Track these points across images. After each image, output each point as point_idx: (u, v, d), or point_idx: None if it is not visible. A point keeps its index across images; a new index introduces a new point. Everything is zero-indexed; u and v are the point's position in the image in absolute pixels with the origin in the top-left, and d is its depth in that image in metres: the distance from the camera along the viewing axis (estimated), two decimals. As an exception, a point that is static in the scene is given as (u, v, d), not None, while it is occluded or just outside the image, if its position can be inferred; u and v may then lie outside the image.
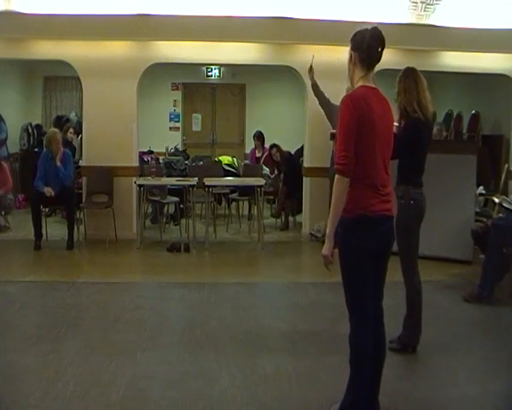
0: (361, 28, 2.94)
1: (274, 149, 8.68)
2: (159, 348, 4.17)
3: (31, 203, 7.24)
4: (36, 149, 9.55)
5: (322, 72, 7.36)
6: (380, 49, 2.89)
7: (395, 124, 3.63)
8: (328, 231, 2.83)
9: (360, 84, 2.92)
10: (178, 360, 3.95)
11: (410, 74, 4.02)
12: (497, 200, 6.40)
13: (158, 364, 3.88)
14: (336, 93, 6.86)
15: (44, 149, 7.37)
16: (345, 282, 2.93)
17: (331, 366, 3.81)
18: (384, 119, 2.91)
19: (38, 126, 10.36)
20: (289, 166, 8.39)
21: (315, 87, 7.05)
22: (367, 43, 2.87)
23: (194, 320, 4.82)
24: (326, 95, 7.01)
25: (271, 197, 8.81)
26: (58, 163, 7.02)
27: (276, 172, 9.13)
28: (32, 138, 10.06)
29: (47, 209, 7.67)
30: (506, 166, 8.03)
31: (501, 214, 6.12)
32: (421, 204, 4.00)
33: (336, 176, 2.81)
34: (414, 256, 4.04)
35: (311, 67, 6.98)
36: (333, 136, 6.82)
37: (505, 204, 6.04)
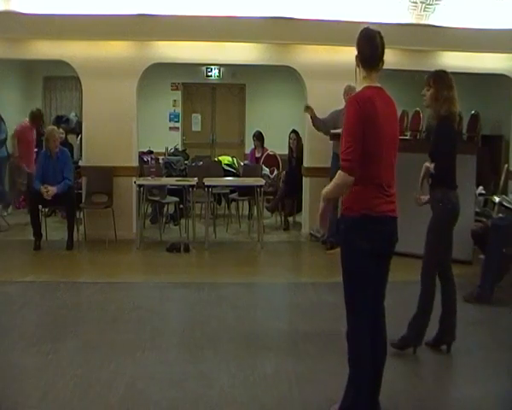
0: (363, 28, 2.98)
1: (293, 135, 8.66)
2: (158, 348, 4.17)
3: (29, 203, 7.23)
4: (35, 149, 9.54)
5: (322, 72, 7.38)
6: (374, 50, 2.90)
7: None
8: (324, 195, 2.96)
9: (365, 84, 2.93)
10: (178, 360, 3.95)
11: (446, 80, 3.92)
12: (497, 199, 6.39)
13: (157, 364, 3.88)
14: (335, 93, 6.92)
15: (43, 149, 7.37)
16: (345, 280, 2.94)
17: (331, 366, 3.80)
18: (389, 119, 2.93)
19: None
20: (298, 159, 8.33)
21: (314, 119, 7.15)
22: (359, 44, 2.94)
23: (193, 320, 4.83)
24: (320, 117, 7.13)
25: (271, 197, 8.81)
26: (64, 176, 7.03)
27: (275, 171, 9.13)
28: (31, 138, 10.04)
29: (46, 209, 7.66)
30: (506, 166, 8.03)
31: (501, 214, 6.12)
32: (455, 207, 3.97)
33: (340, 172, 2.82)
34: (436, 259, 3.99)
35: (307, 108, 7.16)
36: (333, 136, 6.83)
37: (505, 203, 6.03)
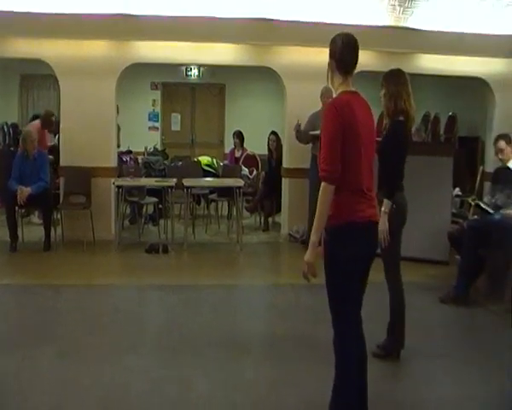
0: (336, 34, 2.95)
1: (273, 136, 8.66)
2: (137, 352, 4.13)
3: (5, 204, 7.12)
4: (12, 149, 9.40)
5: (301, 73, 7.40)
6: (354, 55, 2.91)
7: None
8: (312, 238, 2.76)
9: (341, 89, 2.92)
10: (156, 365, 3.92)
11: (395, 77, 3.96)
12: (473, 203, 6.45)
13: (136, 368, 3.85)
14: (315, 94, 6.95)
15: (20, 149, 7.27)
16: (331, 288, 2.87)
17: (310, 369, 3.82)
18: (366, 123, 2.91)
19: (14, 125, 10.20)
20: (278, 160, 8.32)
21: (297, 132, 7.09)
22: (339, 50, 2.89)
23: (172, 323, 4.80)
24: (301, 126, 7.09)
25: (250, 198, 8.81)
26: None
27: (254, 172, 9.13)
28: (7, 137, 9.90)
29: (22, 210, 7.55)
30: (481, 167, 8.14)
31: (476, 216, 6.19)
32: (404, 208, 3.98)
33: (322, 184, 2.77)
34: (397, 261, 4.01)
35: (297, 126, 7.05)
36: (312, 138, 6.85)
37: (482, 205, 6.07)
